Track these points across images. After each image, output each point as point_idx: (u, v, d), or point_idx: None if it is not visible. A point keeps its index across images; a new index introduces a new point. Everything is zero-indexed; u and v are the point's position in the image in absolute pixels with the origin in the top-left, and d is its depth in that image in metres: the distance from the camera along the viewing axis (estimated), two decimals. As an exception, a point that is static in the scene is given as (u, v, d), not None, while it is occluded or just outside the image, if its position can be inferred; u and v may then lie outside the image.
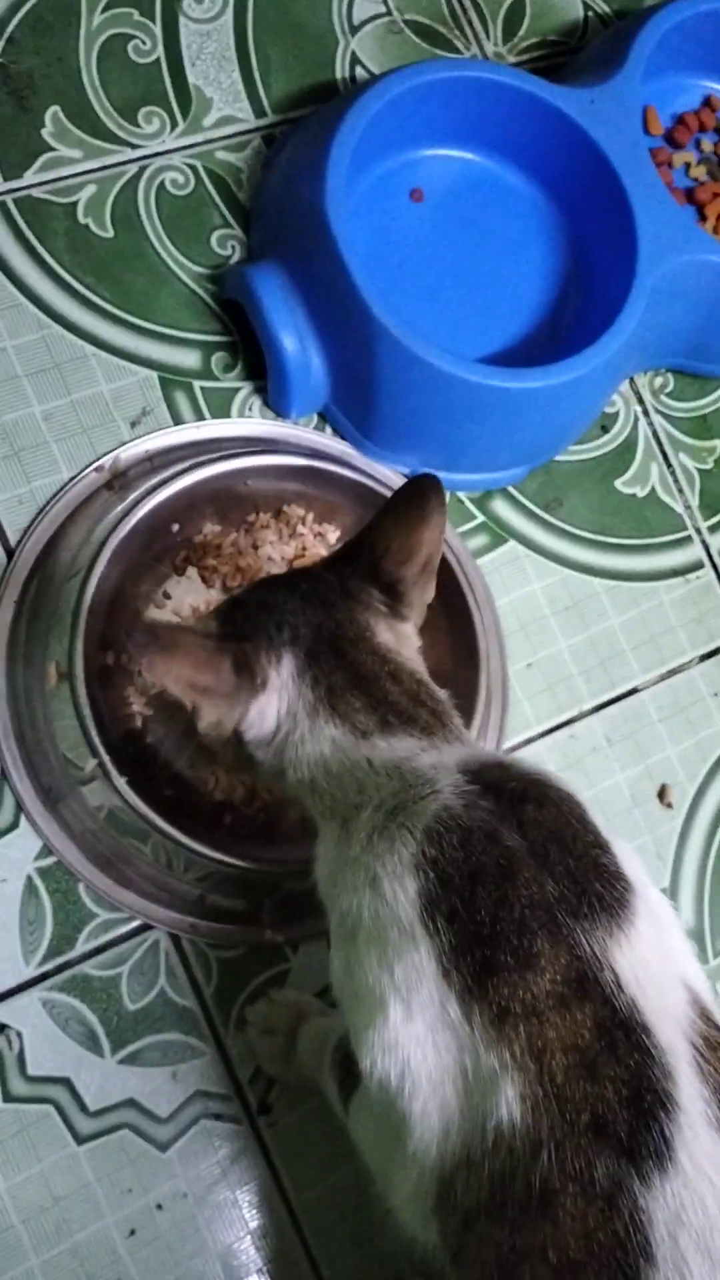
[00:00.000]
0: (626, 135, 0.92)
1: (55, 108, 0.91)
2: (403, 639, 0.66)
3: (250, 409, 0.91)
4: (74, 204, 0.90)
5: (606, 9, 1.09)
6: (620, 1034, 0.51)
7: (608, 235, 0.93)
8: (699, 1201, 0.49)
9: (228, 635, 0.64)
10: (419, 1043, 0.53)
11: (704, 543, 1.02)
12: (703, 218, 1.03)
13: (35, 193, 0.89)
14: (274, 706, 0.62)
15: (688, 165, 1.04)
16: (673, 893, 0.94)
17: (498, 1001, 0.52)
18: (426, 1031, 0.53)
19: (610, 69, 0.95)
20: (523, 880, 0.54)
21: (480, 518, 0.96)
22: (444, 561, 0.86)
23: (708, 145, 1.06)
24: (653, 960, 0.54)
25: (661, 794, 0.96)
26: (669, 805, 0.95)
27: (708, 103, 1.06)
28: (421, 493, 0.66)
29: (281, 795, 0.71)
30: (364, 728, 0.61)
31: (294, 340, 0.87)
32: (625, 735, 0.96)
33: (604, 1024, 0.51)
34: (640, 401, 1.03)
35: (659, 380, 1.04)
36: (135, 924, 0.81)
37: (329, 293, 0.85)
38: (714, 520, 1.02)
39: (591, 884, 0.54)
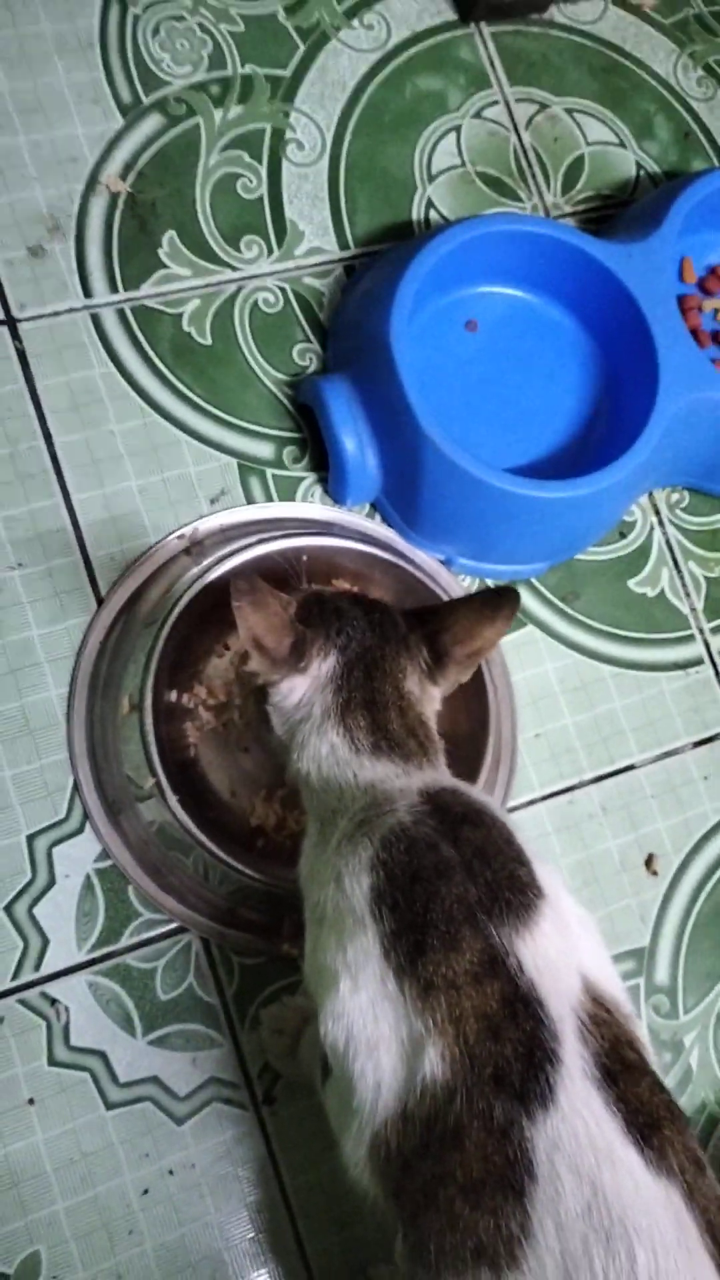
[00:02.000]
0: (658, 287, 1.07)
1: (171, 232, 1.08)
2: (426, 696, 0.78)
3: (312, 496, 1.07)
4: (180, 314, 1.07)
5: (657, 169, 1.25)
6: (520, 1006, 0.63)
7: (635, 370, 1.07)
8: (572, 1132, 0.61)
9: (300, 618, 0.76)
10: (362, 1011, 0.66)
11: (705, 642, 1.14)
12: (726, 358, 1.16)
13: (149, 303, 1.06)
14: (302, 689, 0.75)
15: (716, 311, 1.18)
16: (651, 952, 1.05)
17: (425, 977, 0.64)
18: (369, 1002, 0.66)
19: (650, 227, 1.09)
20: (452, 883, 0.66)
21: (505, 603, 1.09)
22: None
23: (736, 294, 1.20)
24: (552, 953, 0.66)
25: (649, 862, 1.07)
26: (655, 873, 1.07)
27: (739, 257, 1.21)
28: (501, 599, 0.77)
29: (287, 778, 0.81)
30: (359, 745, 0.74)
31: (354, 442, 1.02)
32: (619, 806, 1.08)
33: (508, 998, 0.64)
34: (657, 513, 1.16)
35: (675, 496, 1.17)
36: (173, 926, 0.95)
37: (387, 405, 1.01)
38: (716, 623, 1.15)
39: (504, 891, 0.67)
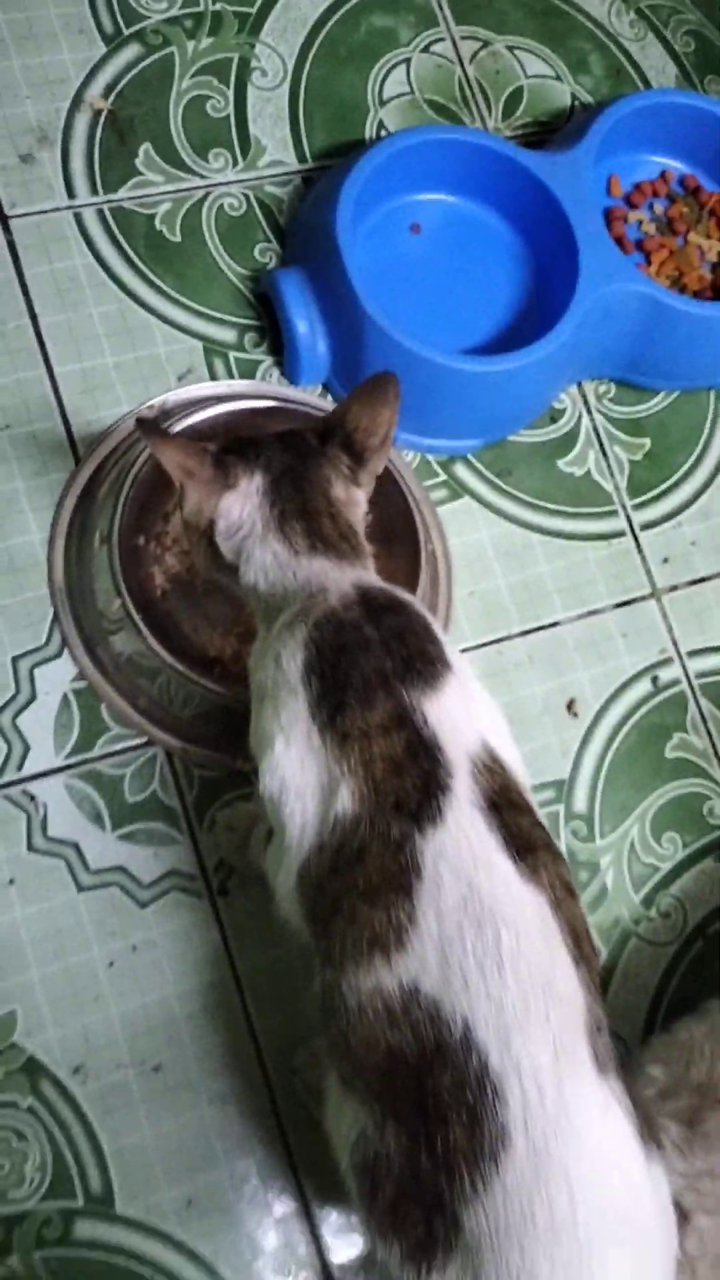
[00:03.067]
0: (579, 191, 1.20)
1: (147, 144, 1.22)
2: (352, 499, 0.88)
3: (270, 376, 1.19)
4: (153, 215, 1.20)
5: (590, 100, 1.38)
6: (421, 750, 0.75)
7: (560, 266, 1.20)
8: (455, 843, 0.73)
9: (220, 455, 0.86)
10: (292, 764, 0.78)
11: (628, 517, 1.26)
12: (649, 263, 1.29)
13: (125, 204, 1.20)
14: (239, 506, 0.84)
15: (640, 222, 1.31)
16: (570, 783, 1.17)
17: (343, 730, 0.76)
18: (298, 756, 0.78)
19: (574, 141, 1.23)
20: (371, 655, 0.78)
21: (443, 476, 1.22)
22: (404, 499, 1.13)
23: (659, 209, 1.33)
24: (454, 712, 0.78)
25: (570, 706, 1.19)
26: (575, 715, 1.19)
27: (663, 175, 1.34)
28: (384, 383, 0.87)
29: (240, 600, 0.93)
30: (297, 548, 0.84)
31: (306, 325, 1.15)
32: (545, 657, 1.20)
33: (411, 744, 0.76)
34: (585, 402, 1.28)
35: (603, 387, 1.29)
36: (141, 740, 1.07)
37: (334, 293, 1.13)
38: (637, 500, 1.27)
39: (415, 662, 0.78)
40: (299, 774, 0.78)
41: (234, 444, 0.88)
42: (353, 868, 0.74)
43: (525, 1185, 0.66)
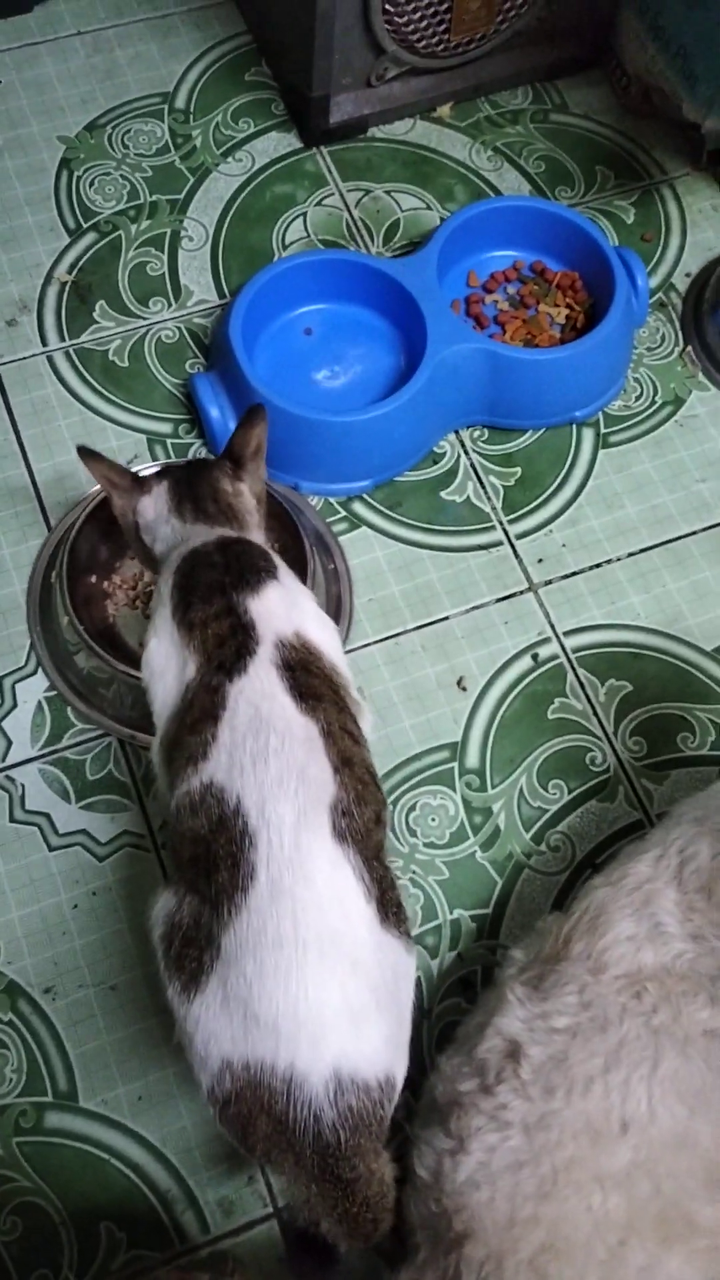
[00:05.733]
0: (425, 283, 1.50)
1: (102, 301, 1.60)
2: (239, 491, 1.16)
3: (199, 454, 1.52)
4: (107, 350, 1.57)
5: (457, 220, 1.71)
6: (240, 630, 1.01)
7: (418, 340, 1.50)
8: (251, 685, 0.98)
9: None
10: (160, 654, 1.05)
11: (504, 529, 1.51)
12: (504, 332, 1.58)
13: (86, 345, 1.58)
14: (152, 504, 1.15)
15: (495, 302, 1.61)
16: (463, 744, 1.37)
17: (190, 621, 1.03)
18: (164, 649, 1.05)
19: (421, 248, 1.55)
20: (214, 571, 1.05)
21: (343, 513, 1.50)
22: (297, 532, 1.41)
23: (512, 290, 1.62)
24: (275, 610, 1.04)
25: (459, 682, 1.41)
26: (464, 689, 1.41)
27: (514, 264, 1.64)
28: (253, 412, 1.17)
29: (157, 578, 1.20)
30: (186, 520, 1.13)
31: (217, 410, 1.48)
32: (436, 645, 1.43)
33: (234, 626, 1.02)
34: (462, 445, 1.56)
35: (476, 432, 1.57)
36: (99, 732, 1.35)
37: (236, 383, 1.46)
38: (511, 516, 1.51)
39: (246, 574, 1.05)
40: (163, 661, 1.05)
41: (154, 472, 1.22)
42: (186, 713, 1.00)
43: (263, 908, 0.88)
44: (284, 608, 1.05)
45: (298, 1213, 0.93)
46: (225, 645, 1.01)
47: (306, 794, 0.93)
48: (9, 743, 1.34)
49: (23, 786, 1.32)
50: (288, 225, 1.69)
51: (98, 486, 1.43)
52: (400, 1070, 0.95)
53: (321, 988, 0.89)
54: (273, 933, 0.87)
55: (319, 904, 0.89)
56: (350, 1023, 0.90)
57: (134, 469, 1.24)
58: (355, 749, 1.00)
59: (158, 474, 1.19)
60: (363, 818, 0.95)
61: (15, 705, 1.36)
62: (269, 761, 0.93)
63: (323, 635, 1.08)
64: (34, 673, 1.38)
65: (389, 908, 0.95)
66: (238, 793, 0.93)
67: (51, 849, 1.29)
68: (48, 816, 1.31)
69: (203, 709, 0.99)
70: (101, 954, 1.25)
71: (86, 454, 1.17)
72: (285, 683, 0.99)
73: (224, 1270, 0.96)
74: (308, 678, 1.01)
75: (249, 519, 1.18)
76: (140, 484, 1.18)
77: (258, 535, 1.19)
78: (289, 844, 0.90)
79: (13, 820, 1.30)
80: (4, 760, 1.33)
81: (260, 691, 0.98)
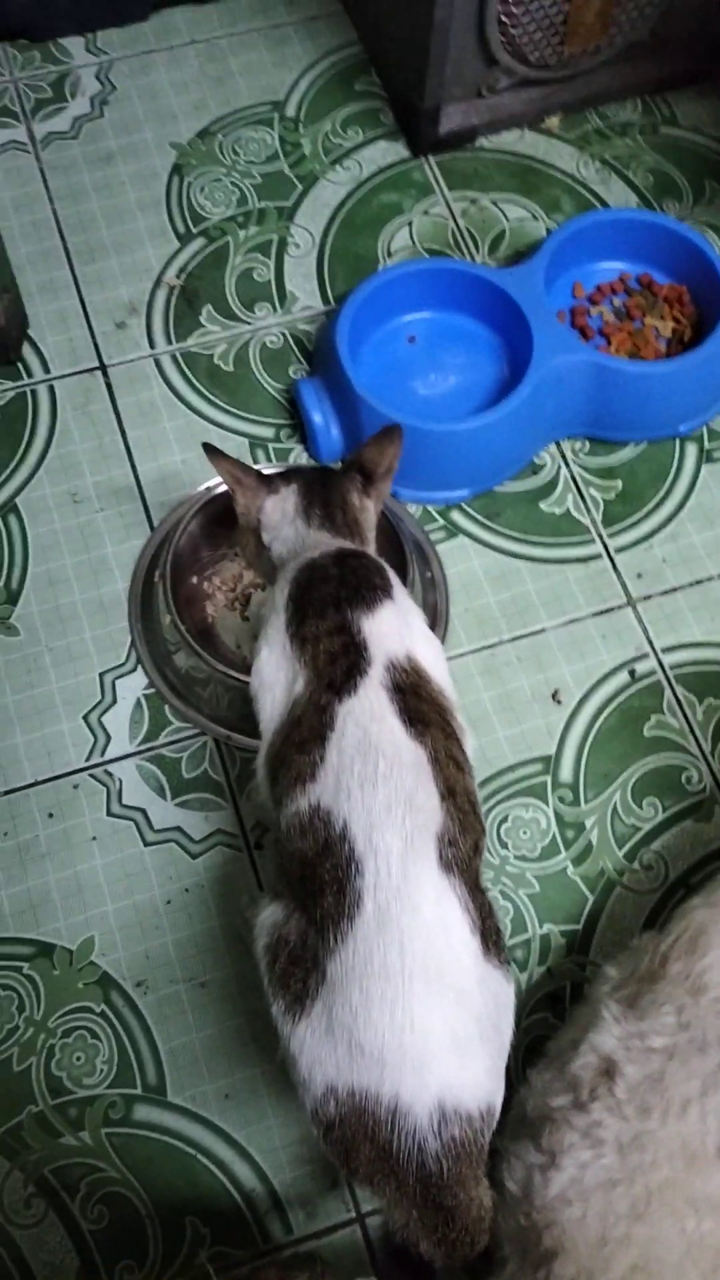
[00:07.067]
0: (532, 293, 1.51)
1: (209, 305, 1.63)
2: (362, 506, 1.16)
3: (299, 459, 1.53)
4: (212, 354, 1.60)
5: (563, 231, 1.70)
6: (353, 649, 1.01)
7: (523, 350, 1.50)
8: (360, 706, 0.98)
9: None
10: (270, 666, 1.06)
11: (604, 543, 1.50)
12: (609, 344, 1.57)
13: (192, 349, 1.60)
14: (279, 505, 1.14)
15: (601, 314, 1.60)
16: (557, 757, 1.37)
17: (303, 635, 1.04)
18: (275, 660, 1.06)
19: (528, 258, 1.55)
20: (329, 585, 1.05)
21: (441, 522, 1.50)
22: (397, 540, 1.41)
23: (618, 302, 1.62)
24: (385, 628, 1.03)
25: (554, 695, 1.40)
26: (559, 702, 1.40)
27: (620, 277, 1.63)
28: (389, 429, 1.16)
29: (268, 576, 1.20)
30: (311, 525, 1.12)
31: (320, 416, 1.49)
32: (531, 657, 1.43)
33: (346, 644, 1.02)
34: (563, 457, 1.55)
35: (578, 444, 1.56)
36: (195, 731, 1.37)
37: (341, 389, 1.47)
38: (611, 530, 1.50)
39: (361, 590, 1.05)
40: (274, 673, 1.06)
41: (278, 472, 1.22)
42: (294, 731, 1.00)
43: (370, 937, 0.88)
44: (397, 628, 1.05)
45: (396, 1232, 0.93)
46: (336, 663, 1.01)
47: (414, 822, 0.92)
48: (109, 738, 1.36)
49: (120, 781, 1.34)
50: (393, 233, 1.70)
51: (203, 487, 1.46)
52: (499, 1098, 0.95)
53: (427, 1019, 0.88)
54: (379, 963, 0.88)
55: (426, 935, 0.89)
56: (455, 1054, 0.90)
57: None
58: (460, 776, 1.00)
59: (283, 475, 1.20)
60: (465, 847, 0.95)
61: (115, 701, 1.38)
62: (377, 787, 0.93)
63: (431, 656, 1.08)
64: (134, 670, 1.40)
65: (490, 936, 0.95)
66: (344, 817, 0.93)
67: (147, 844, 1.31)
68: (144, 812, 1.33)
69: (310, 728, 0.99)
70: (193, 950, 1.26)
71: (212, 451, 1.18)
72: (395, 706, 0.99)
73: (317, 1272, 0.96)
74: (417, 702, 1.01)
75: (369, 535, 1.19)
76: (266, 483, 1.18)
77: (372, 551, 1.19)
78: (396, 873, 0.90)
79: (110, 814, 1.33)
80: (103, 755, 1.36)
81: (370, 713, 0.98)
